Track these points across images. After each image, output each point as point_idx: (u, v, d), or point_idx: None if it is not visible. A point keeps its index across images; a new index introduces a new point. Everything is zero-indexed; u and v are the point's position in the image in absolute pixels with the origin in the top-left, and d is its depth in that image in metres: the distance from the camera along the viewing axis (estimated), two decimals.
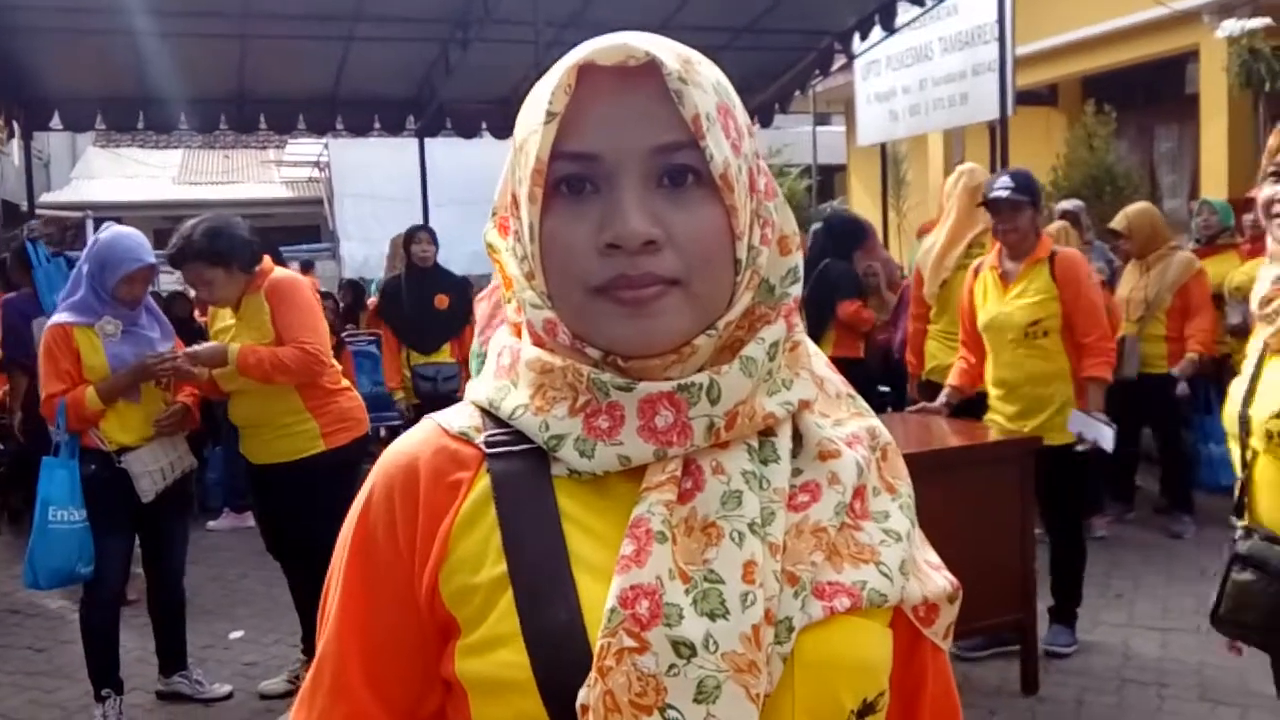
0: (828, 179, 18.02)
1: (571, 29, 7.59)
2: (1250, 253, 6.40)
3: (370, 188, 13.69)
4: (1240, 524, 2.37)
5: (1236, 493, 2.38)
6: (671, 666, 0.81)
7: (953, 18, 9.30)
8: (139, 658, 4.81)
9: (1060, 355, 4.39)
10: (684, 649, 0.82)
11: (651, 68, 0.85)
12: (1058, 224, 6.11)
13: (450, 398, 6.00)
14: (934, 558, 1.01)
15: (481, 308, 1.38)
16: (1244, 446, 2.30)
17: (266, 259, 4.32)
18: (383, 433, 7.30)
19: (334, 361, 4.37)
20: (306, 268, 11.89)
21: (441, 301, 6.67)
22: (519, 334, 0.97)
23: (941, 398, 4.70)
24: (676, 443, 0.87)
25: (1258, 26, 8.05)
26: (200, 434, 7.25)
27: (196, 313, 8.14)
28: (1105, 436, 4.23)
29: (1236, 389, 2.34)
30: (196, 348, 4.21)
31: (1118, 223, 6.36)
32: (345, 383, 4.46)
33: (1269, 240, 2.39)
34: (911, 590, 0.94)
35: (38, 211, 11.71)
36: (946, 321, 5.43)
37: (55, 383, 4.05)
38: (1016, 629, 4.20)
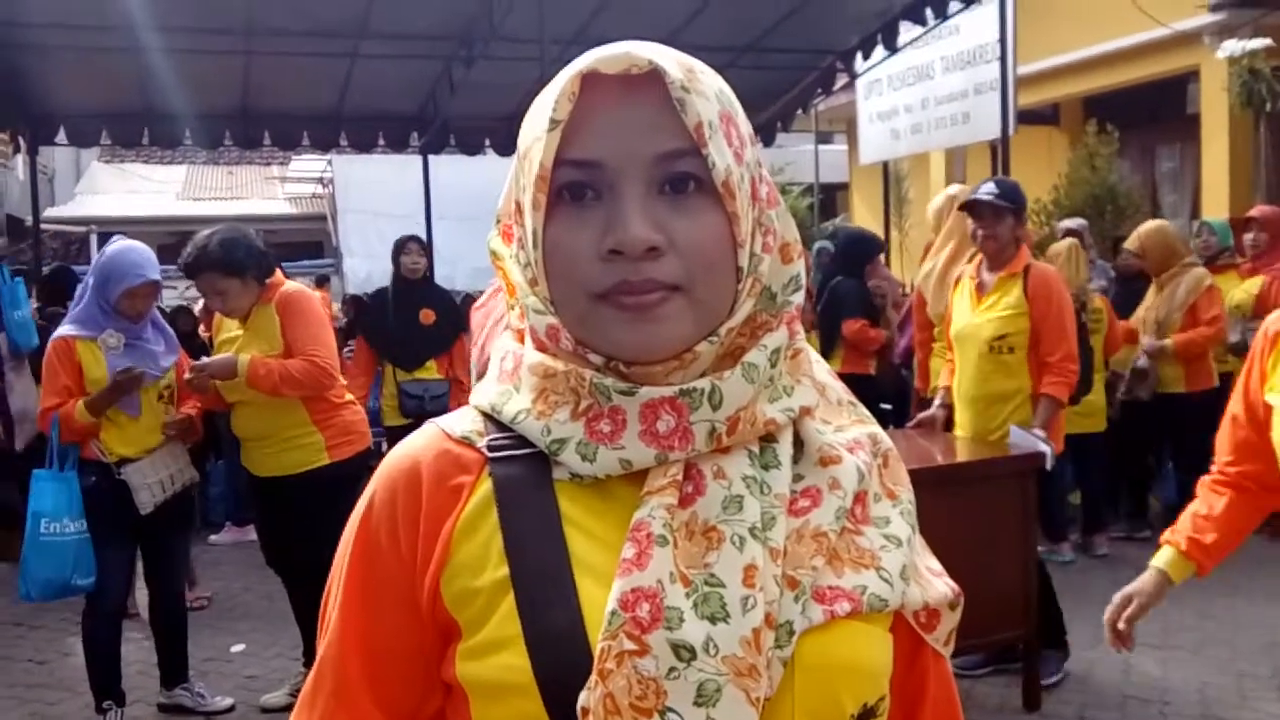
0: (830, 197, 18.04)
1: (576, 46, 7.59)
2: (1250, 271, 6.42)
3: (373, 204, 13.71)
4: None
5: None
6: (672, 669, 0.82)
7: (954, 37, 9.33)
8: (140, 670, 4.81)
9: (1022, 374, 4.32)
10: (684, 652, 0.82)
11: (654, 76, 0.87)
12: (1066, 242, 6.07)
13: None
14: (935, 564, 1.02)
15: (476, 318, 1.38)
16: None
17: (278, 271, 4.34)
18: (384, 447, 7.29)
19: (341, 375, 4.39)
20: (321, 283, 11.85)
21: (427, 316, 6.38)
22: (522, 340, 0.98)
23: (935, 401, 4.68)
24: (678, 447, 0.88)
25: (1258, 47, 8.08)
26: (202, 447, 7.27)
27: (201, 328, 8.15)
28: (1045, 458, 4.13)
29: None
30: (206, 360, 4.22)
31: (1131, 243, 6.36)
32: (349, 396, 4.47)
33: None
34: (912, 595, 0.95)
35: (42, 226, 11.73)
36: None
37: (52, 396, 4.08)
38: (1018, 646, 4.18)
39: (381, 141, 10.14)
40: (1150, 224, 6.70)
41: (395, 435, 5.23)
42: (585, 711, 0.82)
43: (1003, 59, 8.07)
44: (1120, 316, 6.36)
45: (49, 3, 7.10)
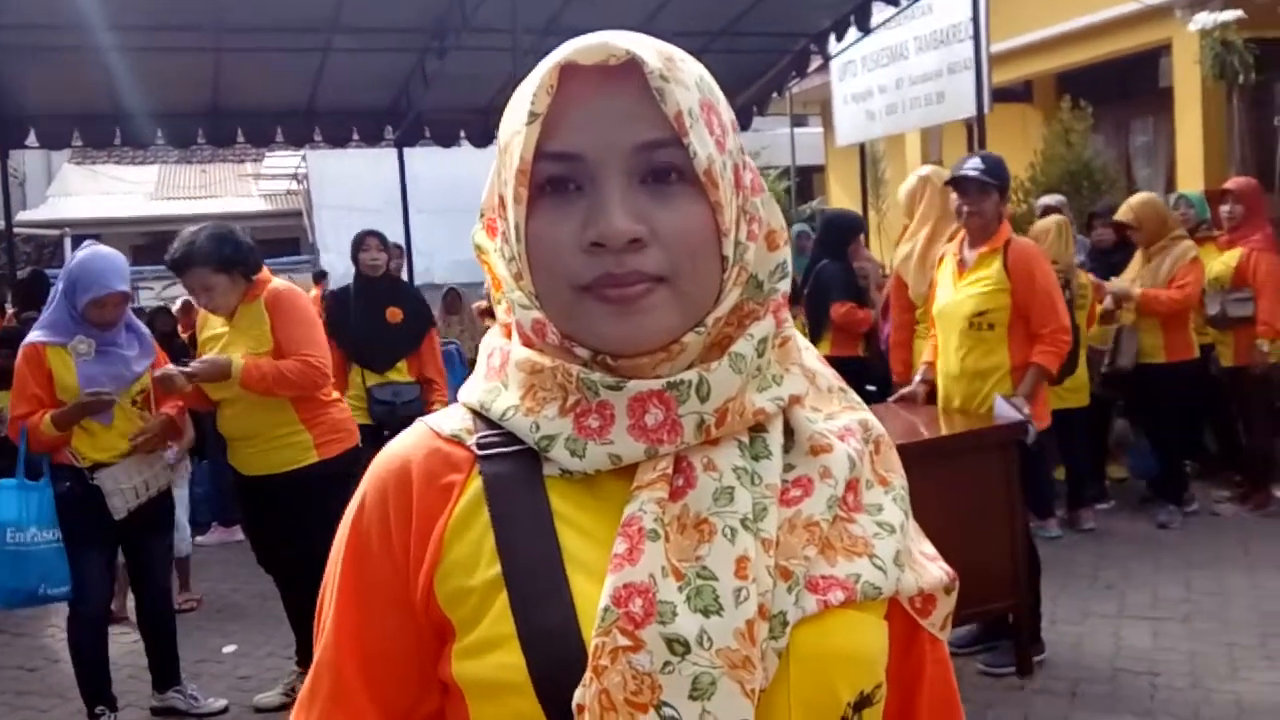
0: (806, 180, 18.06)
1: (549, 36, 7.59)
2: (1227, 244, 6.45)
3: (349, 199, 13.68)
4: None
5: None
6: (666, 664, 0.81)
7: (927, 17, 9.32)
8: (132, 674, 4.79)
9: (1002, 350, 4.32)
10: (678, 646, 0.82)
11: (633, 66, 0.86)
12: (1054, 218, 6.08)
13: (410, 421, 5.76)
14: (929, 549, 1.01)
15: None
16: None
17: (264, 268, 4.31)
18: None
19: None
20: (319, 278, 11.64)
21: (394, 315, 6.00)
22: (509, 335, 0.97)
23: (917, 376, 4.69)
24: (667, 440, 0.88)
25: (1229, 19, 8.10)
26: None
27: (179, 328, 8.10)
28: (1026, 429, 4.15)
29: None
30: (195, 366, 4.14)
31: (1124, 215, 6.37)
32: (336, 394, 4.45)
33: None
34: (907, 581, 0.94)
35: (15, 230, 11.63)
36: None
37: (21, 404, 4.05)
38: (1008, 616, 4.19)
39: (355, 136, 10.10)
40: (1141, 195, 6.74)
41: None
42: (581, 708, 0.81)
43: (976, 37, 8.09)
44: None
45: (16, 3, 7.03)
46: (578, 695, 0.81)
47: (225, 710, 4.53)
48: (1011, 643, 4.30)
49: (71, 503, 4.07)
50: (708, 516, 0.87)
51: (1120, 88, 11.35)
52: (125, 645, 5.24)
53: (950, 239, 5.32)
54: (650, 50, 0.87)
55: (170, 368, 4.20)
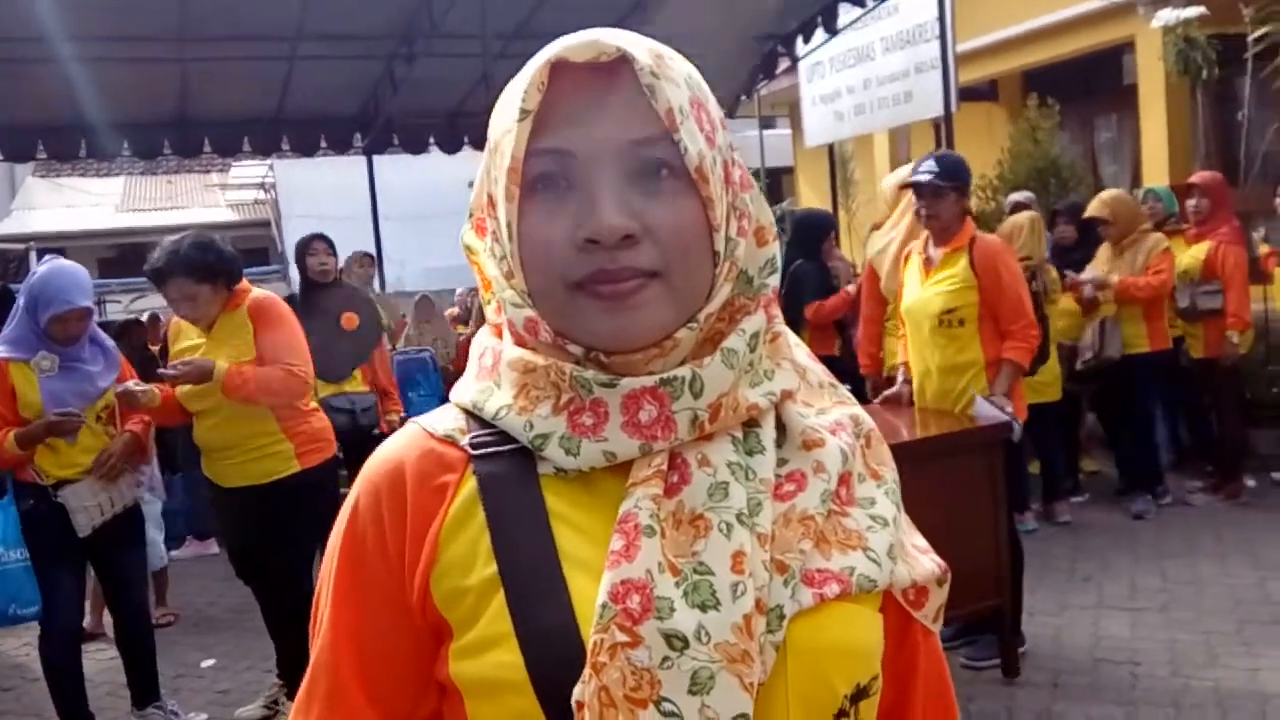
0: (776, 181, 18.11)
1: (519, 41, 7.59)
2: (1195, 237, 6.52)
3: (317, 208, 13.62)
4: None
5: None
6: (665, 659, 0.81)
7: (893, 17, 9.37)
8: (109, 690, 4.75)
9: (974, 346, 4.33)
10: (676, 641, 0.82)
11: (623, 63, 0.86)
12: (1026, 214, 6.09)
13: (371, 432, 5.57)
14: (921, 542, 1.02)
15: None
16: None
17: (244, 278, 4.26)
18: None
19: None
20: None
21: (350, 321, 5.72)
22: (499, 334, 0.97)
23: (899, 378, 4.71)
24: (661, 437, 0.88)
25: (1192, 16, 8.18)
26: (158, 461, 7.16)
27: (148, 340, 8.04)
28: (1011, 428, 4.16)
29: None
30: (178, 368, 4.01)
31: (1097, 210, 6.42)
32: (315, 404, 4.41)
33: None
34: (900, 574, 0.95)
35: None
36: None
37: None
38: (993, 616, 4.20)
39: (324, 144, 10.05)
40: (1113, 191, 6.84)
41: None
42: (580, 705, 0.81)
43: (942, 36, 8.14)
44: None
45: None
46: (577, 692, 0.81)
47: None
48: (994, 637, 4.31)
49: (36, 521, 4.02)
50: (703, 512, 0.87)
51: (1085, 85, 11.44)
52: (102, 662, 5.19)
53: (917, 236, 5.36)
54: (641, 47, 0.87)
55: (130, 384, 4.11)
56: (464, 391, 0.97)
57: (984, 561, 4.06)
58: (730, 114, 10.85)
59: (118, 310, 11.96)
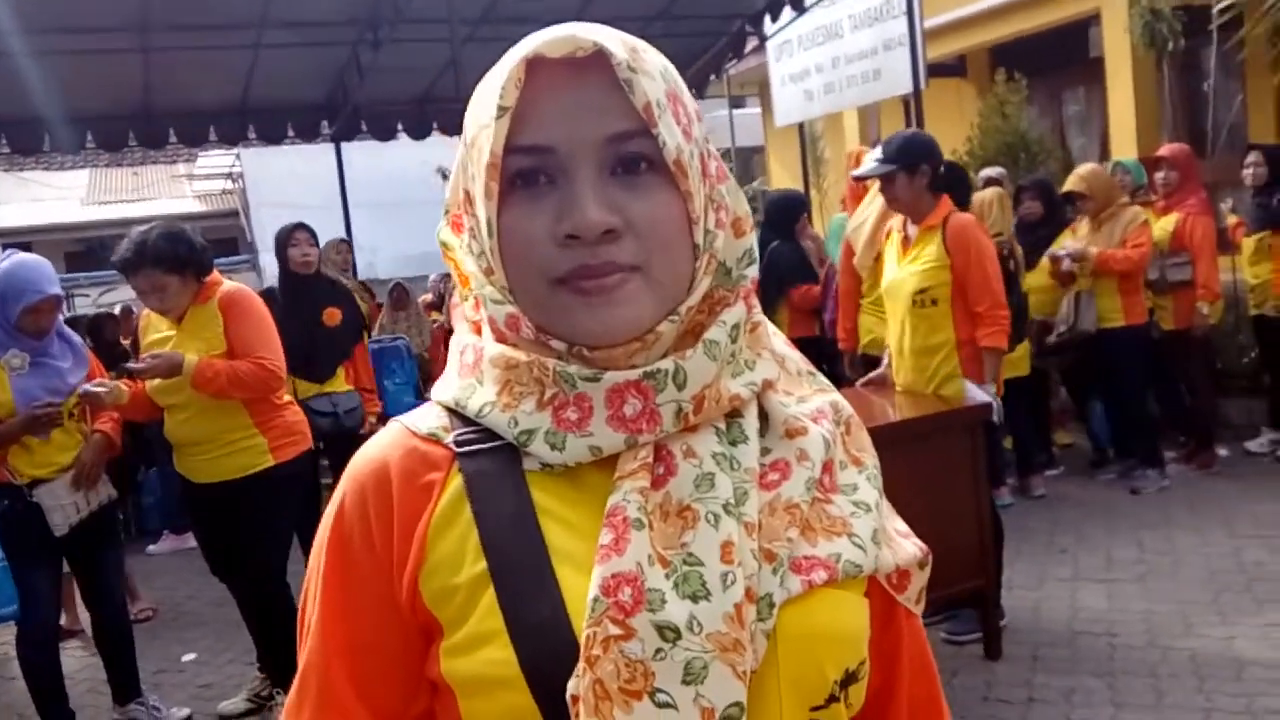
0: (746, 161, 18.12)
1: (486, 25, 7.55)
2: (1163, 210, 6.57)
3: (286, 196, 13.53)
4: None
5: None
6: (658, 651, 0.82)
7: None
8: (90, 688, 4.73)
9: (946, 326, 4.31)
10: (669, 633, 0.82)
11: (600, 58, 0.86)
12: (992, 190, 6.06)
13: (356, 433, 5.37)
14: (902, 526, 1.03)
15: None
16: None
17: (215, 270, 4.21)
18: None
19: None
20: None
21: (332, 316, 5.50)
22: (478, 331, 0.97)
23: (885, 360, 4.72)
24: (646, 430, 0.88)
25: None
26: (131, 459, 7.13)
27: (120, 335, 7.98)
28: (992, 410, 4.19)
29: None
30: (147, 361, 3.97)
31: (1074, 184, 6.42)
32: (288, 397, 4.38)
33: None
34: (884, 559, 0.96)
35: None
36: (880, 295, 5.29)
37: None
38: (975, 596, 4.22)
39: (291, 132, 9.95)
40: (1089, 165, 6.84)
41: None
42: (575, 699, 0.82)
43: (909, 13, 8.13)
44: (1029, 264, 6.38)
45: None
46: (571, 686, 0.82)
47: (189, 719, 4.47)
48: (975, 612, 4.34)
49: (12, 521, 3.99)
50: (690, 503, 0.87)
51: (1052, 59, 11.48)
52: (81, 659, 5.17)
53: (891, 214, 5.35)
54: (616, 42, 0.87)
55: (93, 384, 4.04)
56: (446, 389, 0.97)
57: (966, 542, 4.08)
58: (700, 94, 10.83)
59: (86, 304, 11.85)
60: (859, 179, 4.48)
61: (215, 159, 17.96)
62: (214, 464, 4.12)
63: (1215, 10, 7.70)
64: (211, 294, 4.11)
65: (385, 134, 10.04)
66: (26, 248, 4.78)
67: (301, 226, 5.68)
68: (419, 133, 9.98)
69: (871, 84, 9.55)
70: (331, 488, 0.99)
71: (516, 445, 0.90)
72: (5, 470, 4.00)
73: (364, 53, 8.37)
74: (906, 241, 4.45)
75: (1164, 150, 6.80)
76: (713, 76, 10.82)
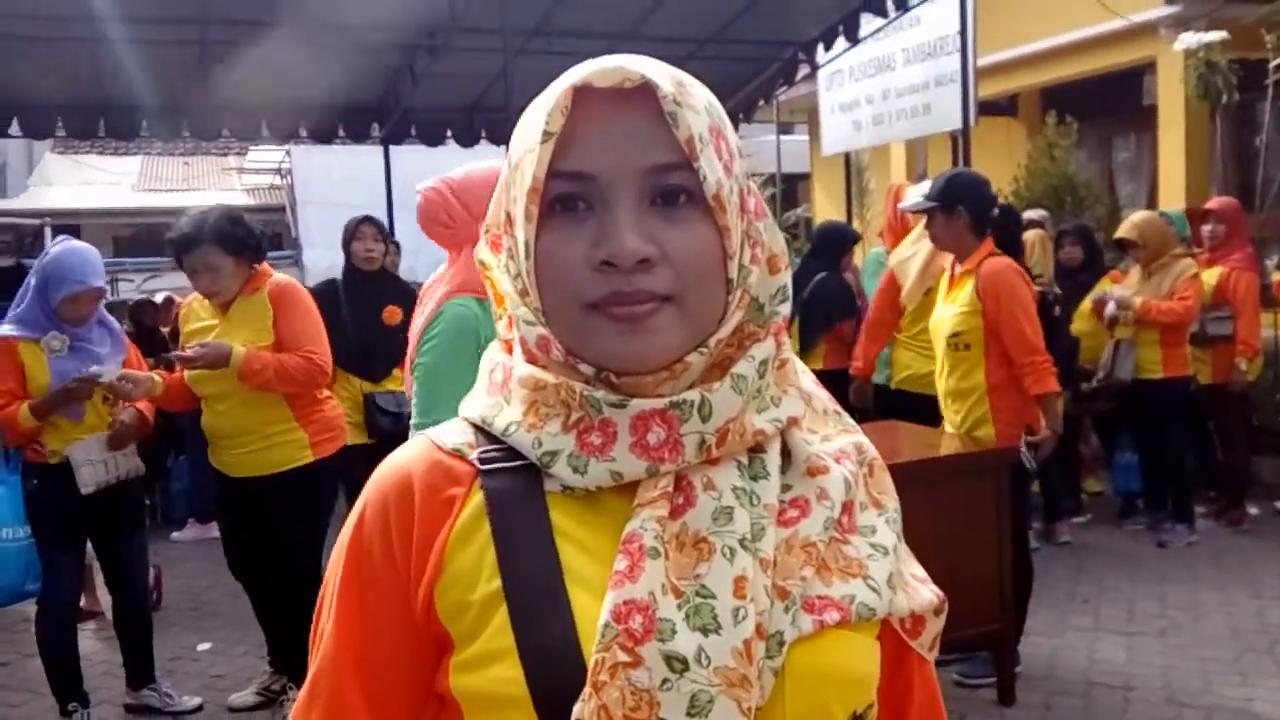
0: (791, 187, 18.09)
1: (538, 37, 7.60)
2: (1207, 263, 6.50)
3: (333, 195, 13.63)
4: None
5: None
6: (665, 681, 0.82)
7: (915, 29, 9.37)
8: (106, 670, 4.76)
9: (979, 371, 4.25)
10: (677, 664, 0.82)
11: (646, 90, 0.87)
12: (1033, 233, 5.98)
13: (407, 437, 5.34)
14: (920, 571, 1.03)
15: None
16: None
17: (265, 261, 4.22)
18: None
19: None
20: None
21: (392, 315, 5.32)
22: (509, 350, 0.98)
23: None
24: (668, 459, 0.89)
25: (1215, 40, 8.17)
26: (161, 445, 7.19)
27: (159, 322, 8.06)
28: (1025, 457, 4.16)
29: None
30: (195, 350, 3.94)
31: (1127, 232, 6.34)
32: (327, 391, 4.36)
33: None
34: (899, 603, 0.96)
35: None
36: (921, 330, 5.19)
37: None
38: (991, 640, 4.17)
39: (342, 132, 10.05)
40: (1143, 213, 6.77)
41: (359, 455, 4.67)
42: None
43: (963, 50, 8.12)
44: (1066, 310, 6.26)
45: None
46: (577, 710, 0.82)
47: (199, 709, 4.49)
48: (988, 654, 4.30)
49: (41, 501, 4.04)
50: (707, 535, 0.88)
51: (1104, 104, 11.42)
52: (98, 641, 5.21)
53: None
54: (663, 75, 0.88)
55: (121, 371, 4.05)
56: (473, 406, 0.98)
57: (985, 584, 4.03)
58: (748, 118, 10.84)
59: (130, 289, 11.99)
60: (902, 212, 4.47)
61: (265, 154, 18.13)
62: (252, 458, 4.08)
63: (1272, 65, 7.63)
64: (261, 284, 4.10)
65: (434, 140, 10.11)
66: (76, 230, 4.85)
67: (368, 220, 5.54)
68: (467, 140, 10.04)
69: (921, 118, 9.55)
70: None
71: (539, 466, 0.91)
72: (36, 449, 4.06)
73: (419, 59, 8.44)
74: (952, 280, 4.43)
75: (1212, 203, 6.74)
76: (762, 102, 10.82)
